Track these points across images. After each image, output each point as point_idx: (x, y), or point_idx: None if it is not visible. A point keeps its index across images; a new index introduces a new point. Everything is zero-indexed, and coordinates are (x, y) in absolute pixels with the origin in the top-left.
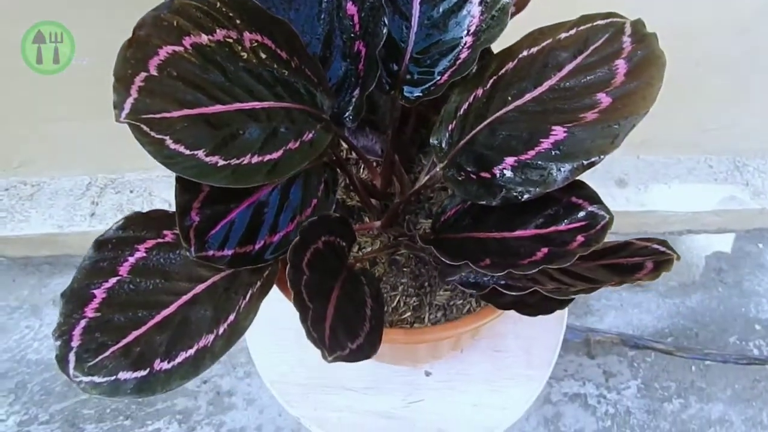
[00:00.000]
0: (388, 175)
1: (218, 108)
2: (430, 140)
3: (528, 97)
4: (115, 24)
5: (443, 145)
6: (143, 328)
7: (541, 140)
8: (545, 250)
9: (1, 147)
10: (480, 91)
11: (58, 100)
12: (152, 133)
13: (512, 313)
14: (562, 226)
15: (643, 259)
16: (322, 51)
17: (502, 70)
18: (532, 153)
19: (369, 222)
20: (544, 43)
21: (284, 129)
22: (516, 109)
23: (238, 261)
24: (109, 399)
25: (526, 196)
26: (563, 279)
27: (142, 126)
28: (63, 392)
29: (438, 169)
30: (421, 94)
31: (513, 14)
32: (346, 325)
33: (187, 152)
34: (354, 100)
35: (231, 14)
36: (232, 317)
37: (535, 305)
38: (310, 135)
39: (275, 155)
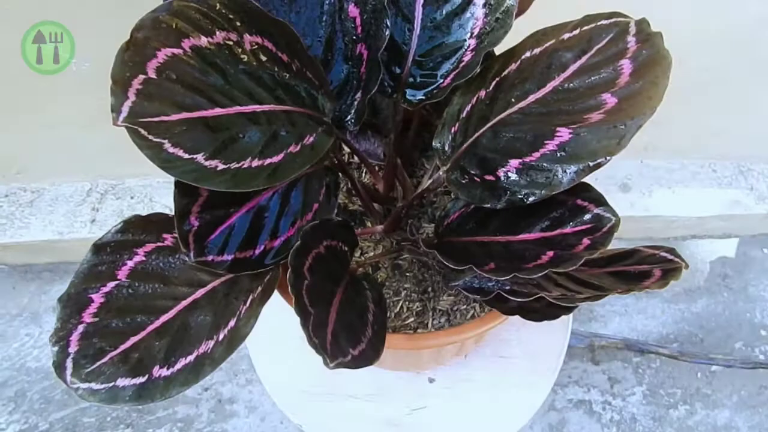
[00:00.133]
0: (390, 179)
1: (218, 111)
2: (433, 143)
3: (532, 98)
4: (116, 24)
5: (446, 148)
6: (142, 334)
7: (546, 142)
8: (551, 253)
9: (0, 153)
10: (483, 93)
11: (57, 106)
12: (150, 137)
13: (516, 318)
14: (568, 229)
15: (650, 267)
16: (323, 53)
17: (505, 72)
18: (536, 155)
19: (371, 226)
20: (547, 44)
21: (285, 132)
22: (520, 110)
23: (239, 266)
24: (108, 407)
25: (531, 199)
26: (569, 285)
27: (140, 129)
28: (63, 400)
29: (441, 173)
30: (423, 98)
31: (516, 16)
32: (348, 331)
33: (186, 156)
34: (356, 103)
35: (231, 16)
36: (232, 323)
37: (540, 311)
38: (311, 138)
39: (276, 159)
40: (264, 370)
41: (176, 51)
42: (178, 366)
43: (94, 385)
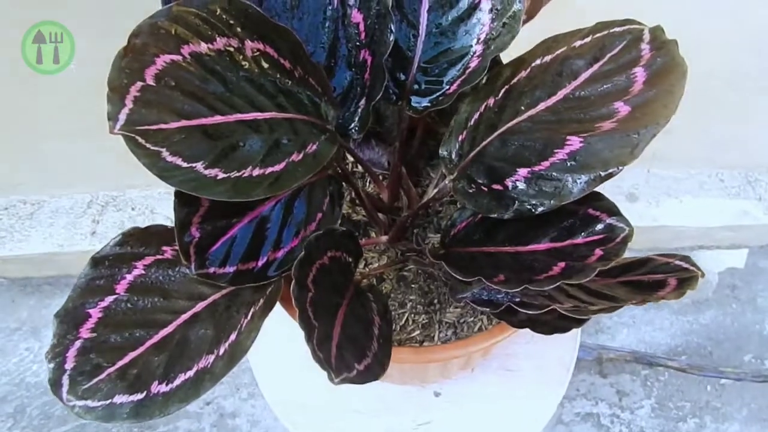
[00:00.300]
0: (395, 188)
1: (218, 119)
2: (440, 151)
3: (542, 106)
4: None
5: (453, 157)
6: (140, 349)
7: (556, 151)
8: (562, 264)
9: (0, 165)
10: (491, 101)
11: (57, 117)
12: (148, 145)
13: (525, 331)
14: (579, 239)
15: (665, 277)
16: (326, 60)
17: (515, 80)
18: (546, 164)
19: (375, 237)
20: (558, 51)
21: (287, 140)
22: (529, 118)
23: (240, 278)
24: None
25: (540, 209)
26: (580, 296)
27: (137, 138)
28: (63, 416)
29: (447, 182)
30: (429, 105)
31: (523, 22)
32: (354, 345)
33: (185, 165)
34: (360, 110)
35: (232, 22)
36: (233, 337)
37: (550, 323)
38: (314, 147)
39: (278, 168)
40: (266, 384)
41: (175, 57)
42: (177, 382)
43: (90, 403)
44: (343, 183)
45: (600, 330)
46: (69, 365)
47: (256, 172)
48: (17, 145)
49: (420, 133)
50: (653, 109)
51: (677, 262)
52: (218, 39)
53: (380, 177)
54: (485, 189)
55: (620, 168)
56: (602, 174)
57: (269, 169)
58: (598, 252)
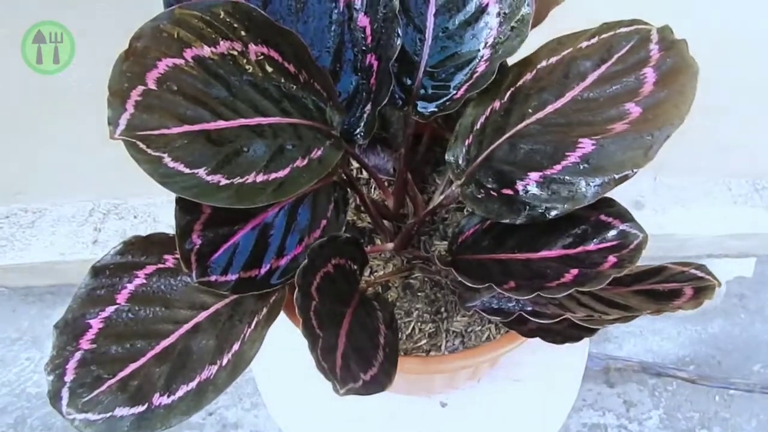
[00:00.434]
0: (400, 194)
1: (221, 124)
2: (446, 156)
3: (550, 108)
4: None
5: (460, 161)
6: (142, 360)
7: (568, 154)
8: (575, 271)
9: (0, 173)
10: (497, 104)
11: (58, 123)
12: (149, 151)
13: (532, 340)
14: (592, 246)
15: (680, 285)
16: (331, 64)
17: (520, 82)
18: (558, 167)
19: (381, 244)
20: (564, 53)
21: (291, 146)
22: (537, 121)
23: (243, 286)
24: None
25: (553, 213)
26: (593, 305)
27: (138, 143)
28: (64, 427)
29: (455, 187)
30: (436, 110)
31: (531, 27)
32: (359, 355)
33: (187, 171)
34: (365, 115)
35: (235, 25)
36: (236, 347)
37: (561, 333)
38: (319, 152)
39: (282, 174)
40: (269, 394)
41: (178, 61)
42: (179, 393)
43: (90, 416)
44: (348, 189)
45: (607, 339)
46: (69, 377)
47: (260, 178)
48: (18, 153)
49: (426, 139)
50: (665, 109)
51: (692, 271)
52: (222, 42)
53: (386, 183)
54: (495, 194)
55: (635, 171)
56: (616, 177)
57: (273, 175)
58: (612, 259)
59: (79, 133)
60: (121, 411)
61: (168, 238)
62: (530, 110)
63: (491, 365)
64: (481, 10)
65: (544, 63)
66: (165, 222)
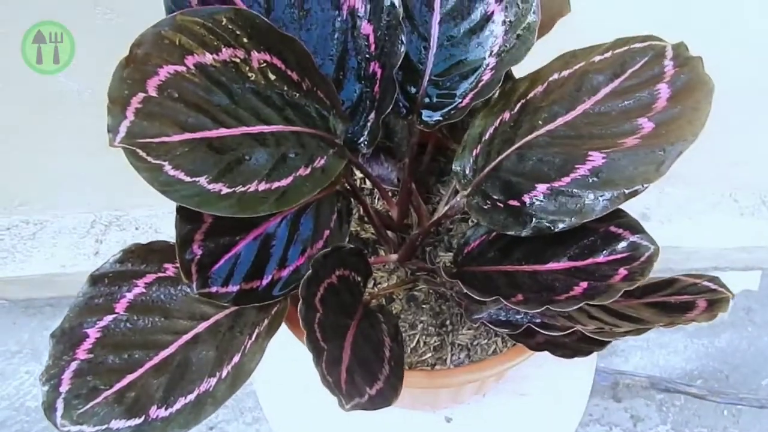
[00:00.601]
0: (404, 205)
1: (222, 132)
2: (453, 166)
3: (560, 121)
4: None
5: (467, 172)
6: (139, 371)
7: (577, 166)
8: (584, 284)
9: (1, 184)
10: (507, 115)
11: (59, 135)
12: (149, 159)
13: (541, 354)
14: (601, 258)
15: (693, 298)
16: (335, 72)
17: (531, 94)
18: (566, 180)
19: (385, 255)
20: (576, 66)
21: (294, 154)
22: (547, 133)
23: (244, 298)
24: None
25: (560, 226)
26: (604, 318)
27: (138, 151)
28: None
29: (460, 198)
30: (440, 119)
31: (538, 37)
32: (364, 368)
33: (188, 179)
34: (369, 124)
35: (238, 32)
36: (236, 359)
37: (570, 346)
38: (322, 161)
39: (284, 182)
40: (271, 408)
41: (179, 68)
42: (177, 406)
43: (85, 428)
44: (352, 199)
45: (614, 353)
46: (64, 388)
47: (262, 186)
48: (19, 162)
49: (430, 149)
50: (679, 125)
51: (705, 283)
52: (224, 49)
53: (390, 193)
54: (501, 205)
55: (645, 186)
56: (626, 191)
57: (275, 184)
58: (622, 272)
59: (80, 139)
60: (117, 423)
61: (168, 246)
62: (540, 122)
63: (497, 379)
64: (487, 18)
65: (555, 76)
66: (167, 233)
